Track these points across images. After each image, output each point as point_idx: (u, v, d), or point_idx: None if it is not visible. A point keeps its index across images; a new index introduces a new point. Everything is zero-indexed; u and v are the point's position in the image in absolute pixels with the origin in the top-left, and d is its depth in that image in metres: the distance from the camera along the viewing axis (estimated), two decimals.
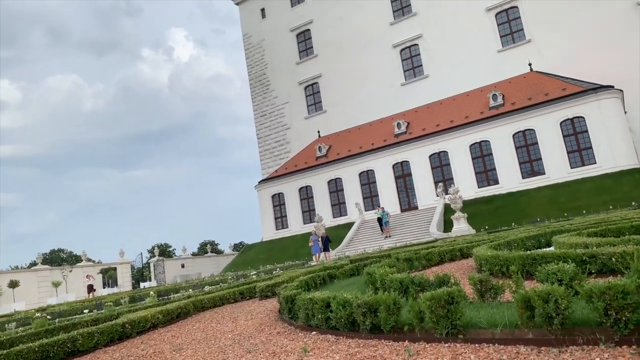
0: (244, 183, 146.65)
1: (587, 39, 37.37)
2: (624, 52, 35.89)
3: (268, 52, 54.15)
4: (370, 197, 39.15)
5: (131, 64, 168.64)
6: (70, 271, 40.78)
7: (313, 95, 51.02)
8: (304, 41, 52.22)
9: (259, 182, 45.18)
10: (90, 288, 28.24)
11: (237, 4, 57.28)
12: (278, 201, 43.56)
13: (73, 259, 71.79)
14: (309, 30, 51.82)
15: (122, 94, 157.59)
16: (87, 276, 30.58)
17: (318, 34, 51.02)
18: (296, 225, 41.70)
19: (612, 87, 31.69)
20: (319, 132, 46.98)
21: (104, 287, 42.74)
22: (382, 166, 38.47)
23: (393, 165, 38.22)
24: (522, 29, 40.48)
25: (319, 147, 43.02)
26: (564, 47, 38.08)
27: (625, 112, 32.78)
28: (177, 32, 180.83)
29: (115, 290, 39.32)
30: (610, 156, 29.97)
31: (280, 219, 43.19)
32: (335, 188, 40.75)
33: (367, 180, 39.46)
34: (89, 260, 48.17)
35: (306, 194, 42.15)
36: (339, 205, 40.39)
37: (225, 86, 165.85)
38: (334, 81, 49.32)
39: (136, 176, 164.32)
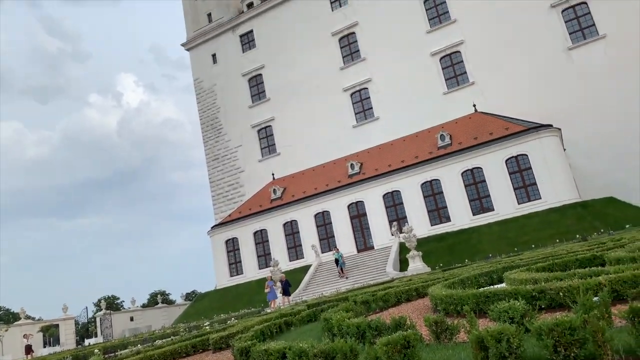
0: (196, 229, 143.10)
1: (525, 81, 39.71)
2: (559, 93, 38.32)
3: (220, 97, 54.32)
4: (327, 239, 38.99)
5: (78, 110, 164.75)
6: (6, 330, 37.87)
7: (267, 138, 51.22)
8: (256, 85, 52.81)
9: (212, 228, 44.19)
10: (29, 349, 26.15)
11: (188, 49, 57.60)
12: (232, 246, 42.61)
13: (10, 317, 66.83)
14: (260, 74, 52.54)
15: (68, 141, 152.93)
16: (25, 335, 28.30)
17: (270, 78, 51.80)
18: (251, 271, 40.77)
19: (551, 125, 33.56)
20: (273, 174, 46.91)
21: (44, 346, 39.78)
22: (338, 207, 38.60)
23: (348, 206, 38.43)
24: (466, 72, 42.59)
25: (274, 189, 42.83)
26: (504, 89, 40.25)
27: (565, 149, 34.63)
28: (127, 78, 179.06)
29: (57, 349, 36.67)
30: (554, 191, 31.34)
31: (235, 265, 42.14)
32: (291, 231, 40.39)
33: (323, 222, 39.39)
34: (28, 317, 44.96)
35: (261, 238, 41.50)
36: (295, 248, 39.93)
37: (177, 131, 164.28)
38: (287, 124, 49.82)
39: (83, 225, 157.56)
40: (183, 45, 57.73)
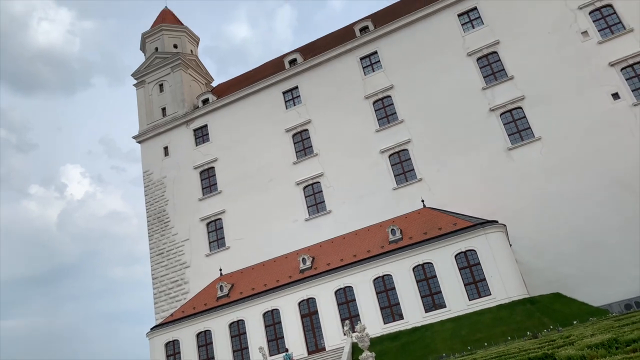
0: (135, 331, 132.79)
1: (470, 178, 41.23)
2: (502, 190, 39.85)
3: (169, 189, 53.29)
4: (276, 340, 36.73)
5: (16, 201, 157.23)
6: None
7: (216, 232, 49.81)
8: (208, 178, 52.39)
9: (152, 329, 40.92)
10: None
11: (139, 142, 57.27)
12: (172, 350, 39.25)
13: None
14: (213, 167, 52.39)
15: (2, 234, 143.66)
16: None
17: (222, 171, 51.65)
18: None
19: (497, 221, 34.35)
20: (220, 270, 44.95)
21: None
22: (288, 304, 36.88)
23: (299, 303, 36.82)
24: (413, 169, 43.96)
25: (221, 286, 40.74)
26: (451, 185, 41.56)
27: (511, 245, 35.25)
28: (73, 169, 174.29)
29: None
30: (503, 287, 31.25)
31: None
32: (238, 331, 37.88)
33: (272, 321, 37.32)
34: None
35: (205, 340, 38.57)
36: (241, 351, 37.18)
37: (122, 224, 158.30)
38: (238, 217, 48.93)
39: (6, 328, 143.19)
40: (135, 137, 57.45)
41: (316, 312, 36.10)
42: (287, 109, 51.14)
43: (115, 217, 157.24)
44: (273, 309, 37.36)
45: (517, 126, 41.60)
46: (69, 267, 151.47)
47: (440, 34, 46.57)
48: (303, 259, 38.92)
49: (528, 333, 24.17)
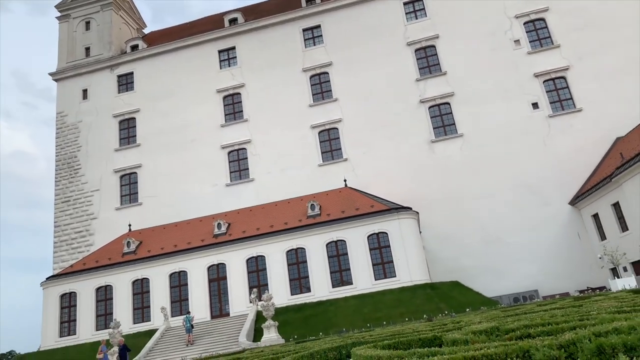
0: (31, 279, 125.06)
1: (393, 164, 42.32)
2: (421, 179, 41.33)
3: (83, 135, 49.83)
4: (180, 302, 36.06)
5: None
6: None
7: (129, 186, 47.47)
8: (127, 129, 49.56)
9: (47, 279, 38.53)
10: None
11: (56, 80, 52.84)
12: (68, 302, 37.29)
13: None
14: (134, 118, 49.58)
15: None
16: None
17: (144, 123, 49.05)
18: (86, 332, 35.79)
19: (411, 208, 35.71)
20: (130, 225, 43.03)
21: None
22: (196, 268, 36.22)
23: (208, 268, 36.28)
24: (341, 148, 44.35)
25: (128, 242, 39.08)
26: (374, 169, 42.44)
27: (421, 232, 36.86)
28: None
29: None
30: (408, 271, 32.73)
31: (67, 324, 36.74)
32: (141, 290, 36.70)
33: (178, 283, 36.52)
34: None
35: (104, 295, 37.00)
36: (142, 310, 36.13)
37: (26, 165, 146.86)
38: (155, 174, 46.92)
39: None
40: (52, 74, 52.89)
41: (225, 278, 35.80)
42: (221, 68, 49.34)
43: (20, 157, 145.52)
44: (180, 271, 36.55)
45: (442, 121, 43.15)
46: None
47: (385, 19, 46.85)
48: (218, 224, 38.23)
49: (425, 316, 25.51)
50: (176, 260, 36.66)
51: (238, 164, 46.07)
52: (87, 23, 54.43)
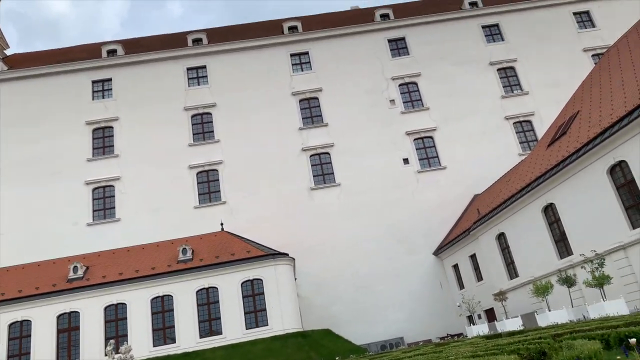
0: None
1: (272, 209, 41.97)
2: (299, 226, 41.38)
3: None
4: (19, 355, 31.23)
5: None
6: None
7: None
8: None
9: None
10: None
11: None
12: None
13: None
14: None
15: None
16: None
17: (3, 150, 43.41)
18: None
19: (287, 254, 35.34)
20: None
21: None
22: (43, 316, 31.83)
23: (58, 317, 32.12)
24: (219, 191, 43.13)
25: None
26: (253, 213, 41.67)
27: (296, 279, 36.52)
28: None
29: None
30: (281, 319, 31.91)
31: None
32: None
33: (20, 334, 31.72)
34: None
35: None
36: None
37: None
38: (11, 207, 41.32)
39: None
40: None
41: (77, 328, 31.90)
42: (93, 99, 46.03)
43: None
44: (23, 320, 31.87)
45: (322, 169, 44.26)
46: None
47: (272, 67, 47.76)
48: (75, 267, 34.32)
49: None
50: (17, 308, 31.91)
51: (103, 202, 42.43)
52: None
